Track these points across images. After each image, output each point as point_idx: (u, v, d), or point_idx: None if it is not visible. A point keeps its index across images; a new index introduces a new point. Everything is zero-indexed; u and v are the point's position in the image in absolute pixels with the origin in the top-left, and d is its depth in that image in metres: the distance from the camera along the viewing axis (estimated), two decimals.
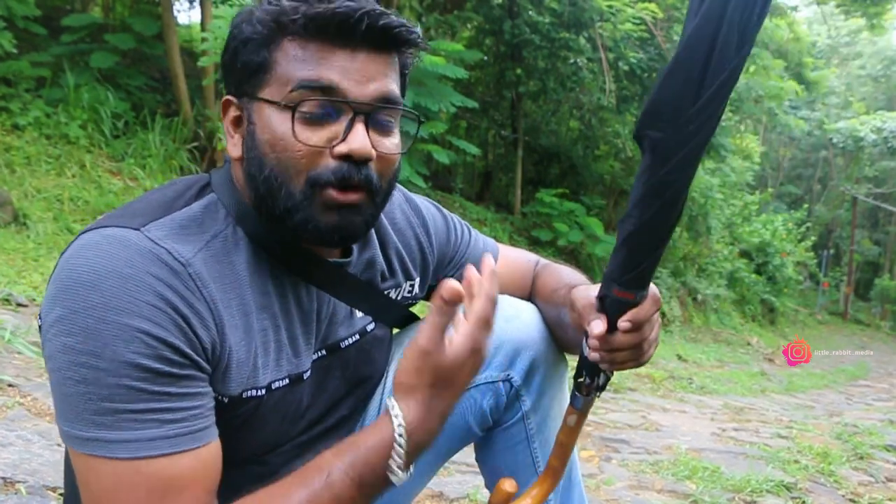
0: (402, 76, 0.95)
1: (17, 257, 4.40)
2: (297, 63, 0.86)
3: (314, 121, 0.86)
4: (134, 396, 0.78)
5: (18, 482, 1.66)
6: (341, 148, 0.86)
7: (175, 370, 0.80)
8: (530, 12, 9.65)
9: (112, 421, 0.78)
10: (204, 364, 0.84)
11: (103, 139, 6.35)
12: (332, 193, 0.86)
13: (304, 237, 0.90)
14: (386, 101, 0.89)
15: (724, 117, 10.38)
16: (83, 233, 0.83)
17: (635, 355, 0.97)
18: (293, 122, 0.85)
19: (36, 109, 6.09)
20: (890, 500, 2.51)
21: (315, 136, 0.86)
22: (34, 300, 3.50)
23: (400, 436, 0.81)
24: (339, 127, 0.86)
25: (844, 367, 10.62)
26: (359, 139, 0.86)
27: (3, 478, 1.67)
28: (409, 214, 1.14)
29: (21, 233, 4.87)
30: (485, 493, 1.79)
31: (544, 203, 9.95)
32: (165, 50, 7.08)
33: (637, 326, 0.93)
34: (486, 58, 10.29)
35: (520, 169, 10.74)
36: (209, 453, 0.84)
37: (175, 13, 7.62)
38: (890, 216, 26.81)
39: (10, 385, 2.38)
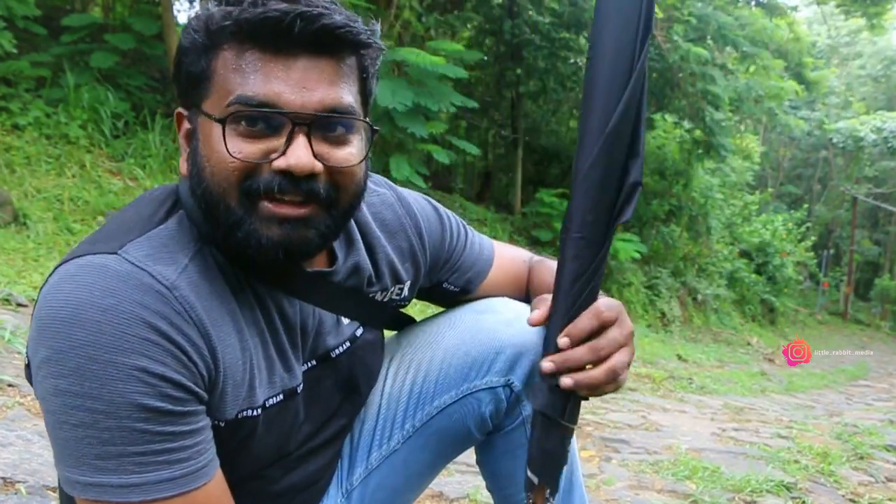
0: (363, 80, 0.88)
1: (17, 257, 4.39)
2: (233, 74, 0.80)
3: (250, 134, 0.80)
4: (137, 438, 0.75)
5: (18, 482, 1.66)
6: (279, 162, 0.80)
7: (177, 407, 0.77)
8: (530, 12, 9.65)
9: (116, 465, 0.75)
10: (203, 394, 0.81)
11: (103, 139, 6.34)
12: (269, 206, 0.81)
13: (250, 255, 0.83)
14: (332, 111, 0.81)
15: (724, 117, 10.51)
16: (60, 264, 0.78)
17: (605, 376, 0.90)
18: (224, 135, 0.79)
19: (36, 109, 6.08)
20: (890, 500, 2.50)
21: (250, 149, 0.80)
22: (34, 300, 3.50)
23: None
24: (279, 140, 0.80)
25: (844, 367, 10.60)
26: (298, 153, 0.79)
27: (3, 478, 1.67)
28: (402, 216, 1.09)
29: (21, 233, 4.87)
30: (485, 494, 1.79)
31: (544, 203, 9.96)
32: (165, 50, 7.08)
33: (577, 341, 0.89)
34: (486, 58, 10.29)
35: (520, 169, 10.75)
36: (217, 486, 0.83)
37: (175, 13, 7.60)
38: (890, 216, 26.80)
39: (10, 385, 2.38)
